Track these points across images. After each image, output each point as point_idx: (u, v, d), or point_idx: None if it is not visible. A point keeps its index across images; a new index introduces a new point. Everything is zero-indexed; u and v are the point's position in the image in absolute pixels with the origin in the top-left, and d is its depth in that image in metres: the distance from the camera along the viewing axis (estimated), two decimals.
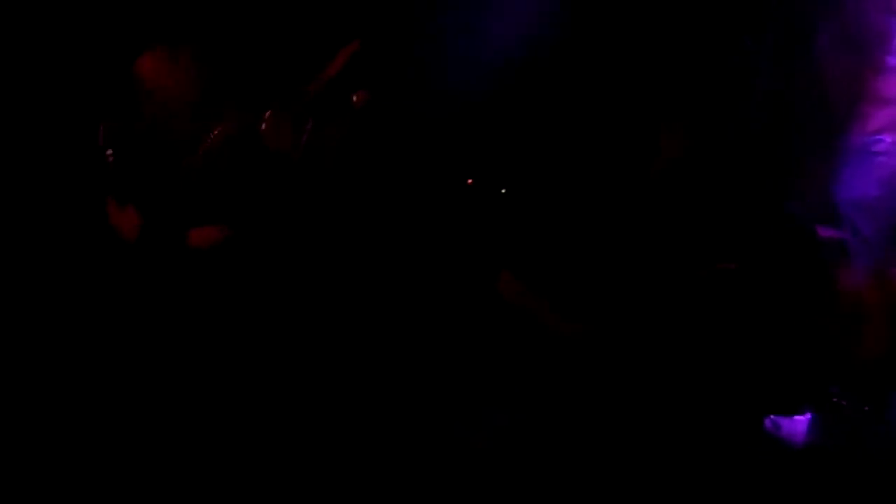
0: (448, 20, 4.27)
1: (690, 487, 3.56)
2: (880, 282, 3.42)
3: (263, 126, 4.18)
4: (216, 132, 4.18)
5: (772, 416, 3.47)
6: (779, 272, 3.43)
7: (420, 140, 4.31)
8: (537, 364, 3.88)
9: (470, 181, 4.22)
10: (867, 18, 3.85)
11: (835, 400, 3.43)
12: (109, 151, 4.20)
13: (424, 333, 4.17)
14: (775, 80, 3.97)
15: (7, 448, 4.02)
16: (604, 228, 3.85)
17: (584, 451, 3.74)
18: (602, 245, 3.80)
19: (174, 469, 3.97)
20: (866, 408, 3.39)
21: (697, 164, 3.64)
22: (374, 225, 4.30)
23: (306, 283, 4.21)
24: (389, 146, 4.29)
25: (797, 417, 3.50)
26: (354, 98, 4.12)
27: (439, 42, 4.28)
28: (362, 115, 4.17)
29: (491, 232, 4.14)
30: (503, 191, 4.15)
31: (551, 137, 4.19)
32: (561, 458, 3.77)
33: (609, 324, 3.64)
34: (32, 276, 4.36)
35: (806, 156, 3.91)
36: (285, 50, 4.35)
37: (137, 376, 4.06)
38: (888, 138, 3.84)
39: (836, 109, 3.90)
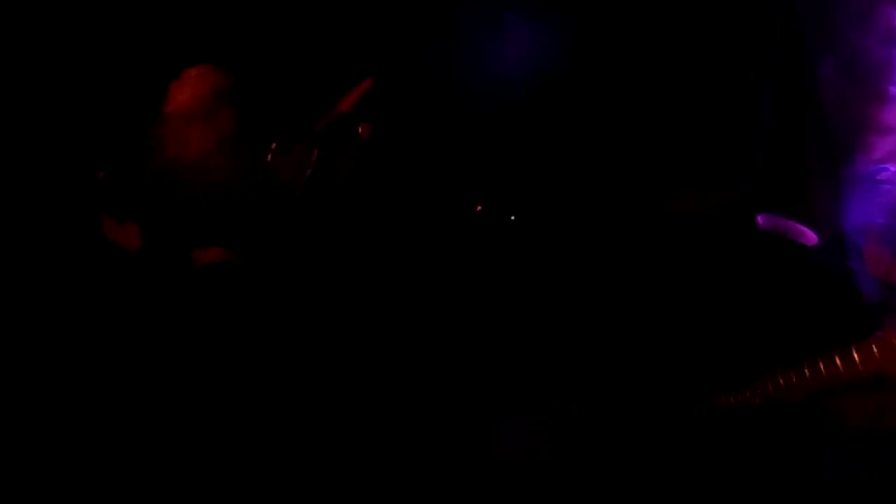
0: (458, 53, 4.30)
1: None
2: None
3: (269, 157, 4.18)
4: (223, 160, 4.19)
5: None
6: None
7: (428, 165, 4.33)
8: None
9: (479, 207, 4.24)
10: (870, 50, 3.92)
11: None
12: (102, 173, 4.21)
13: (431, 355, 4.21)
14: (780, 111, 4.04)
15: (7, 451, 4.04)
16: (611, 256, 3.89)
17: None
18: (610, 274, 3.84)
19: (174, 470, 3.98)
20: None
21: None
22: (380, 252, 4.31)
23: (311, 312, 4.22)
24: (396, 176, 4.30)
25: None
26: (360, 130, 4.14)
27: (448, 74, 4.31)
28: (368, 146, 4.18)
29: (500, 258, 4.17)
30: (512, 218, 4.18)
31: (558, 166, 4.23)
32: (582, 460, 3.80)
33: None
34: (35, 289, 4.37)
35: (811, 185, 3.98)
36: (298, 84, 4.36)
37: (139, 389, 4.08)
38: (892, 167, 3.91)
39: (840, 139, 3.97)
